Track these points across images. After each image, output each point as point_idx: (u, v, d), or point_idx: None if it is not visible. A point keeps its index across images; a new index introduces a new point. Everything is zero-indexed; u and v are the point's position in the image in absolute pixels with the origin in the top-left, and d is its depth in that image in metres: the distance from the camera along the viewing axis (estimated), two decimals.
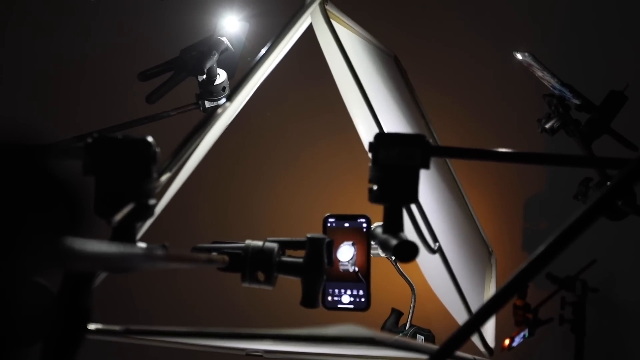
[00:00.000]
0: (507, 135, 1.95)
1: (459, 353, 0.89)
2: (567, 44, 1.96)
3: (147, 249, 0.64)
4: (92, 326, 0.73)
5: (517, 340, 1.42)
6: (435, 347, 0.73)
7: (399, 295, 1.33)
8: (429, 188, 1.13)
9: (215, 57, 1.23)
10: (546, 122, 1.12)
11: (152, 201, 0.73)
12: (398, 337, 1.12)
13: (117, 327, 0.80)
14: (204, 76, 1.25)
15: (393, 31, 1.84)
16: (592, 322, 1.64)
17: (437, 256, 0.97)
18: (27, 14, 2.17)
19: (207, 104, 1.26)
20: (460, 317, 1.08)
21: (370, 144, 0.80)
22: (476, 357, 0.94)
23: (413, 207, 0.92)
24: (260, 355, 1.24)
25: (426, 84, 1.60)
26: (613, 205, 1.00)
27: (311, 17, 1.06)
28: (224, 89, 1.26)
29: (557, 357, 1.99)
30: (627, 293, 2.01)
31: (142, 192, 0.73)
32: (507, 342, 1.40)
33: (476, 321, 0.68)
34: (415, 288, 1.19)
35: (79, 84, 2.03)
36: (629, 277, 2.01)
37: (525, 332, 1.48)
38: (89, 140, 0.67)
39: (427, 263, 1.09)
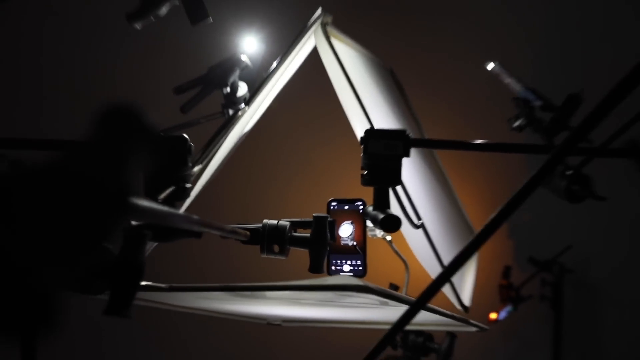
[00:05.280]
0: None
1: (439, 309, 1.07)
2: (545, 52, 2.16)
3: (185, 214, 0.84)
4: (143, 282, 0.90)
5: (502, 314, 1.60)
6: (413, 299, 0.91)
7: (396, 273, 1.52)
8: (417, 178, 1.32)
9: (237, 72, 1.40)
10: (514, 122, 1.31)
11: (188, 185, 0.94)
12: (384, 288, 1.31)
13: (163, 285, 0.98)
14: (228, 89, 1.43)
15: (388, 44, 2.06)
16: (569, 299, 1.81)
17: (422, 233, 1.16)
18: (61, 32, 2.40)
19: (231, 112, 1.46)
20: (444, 287, 1.26)
21: (362, 138, 1.00)
22: (454, 314, 1.11)
23: (399, 189, 1.11)
24: (279, 324, 1.42)
25: (419, 93, 1.80)
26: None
27: (314, 37, 1.26)
28: (244, 99, 1.46)
29: (538, 331, 2.16)
30: (599, 273, 2.19)
31: (180, 177, 0.93)
32: (494, 315, 1.58)
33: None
34: (410, 265, 1.38)
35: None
36: (601, 259, 2.19)
37: (510, 308, 1.66)
38: None
39: (415, 242, 1.29)
